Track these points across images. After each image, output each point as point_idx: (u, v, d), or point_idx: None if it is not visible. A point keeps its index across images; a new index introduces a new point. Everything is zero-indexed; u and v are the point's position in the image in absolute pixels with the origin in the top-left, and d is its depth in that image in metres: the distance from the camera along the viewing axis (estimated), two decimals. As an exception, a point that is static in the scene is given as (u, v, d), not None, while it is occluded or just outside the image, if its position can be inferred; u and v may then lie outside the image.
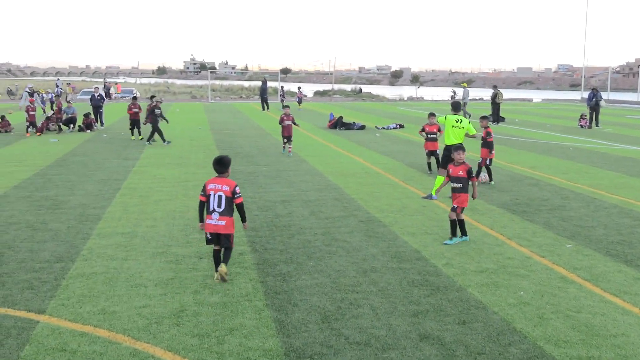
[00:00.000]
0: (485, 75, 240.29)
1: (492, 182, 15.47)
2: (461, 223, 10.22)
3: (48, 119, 29.34)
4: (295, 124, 20.84)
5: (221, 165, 8.41)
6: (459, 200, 10.13)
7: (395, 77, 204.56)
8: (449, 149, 13.56)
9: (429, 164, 17.17)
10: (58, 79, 73.81)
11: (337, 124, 31.04)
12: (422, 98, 74.05)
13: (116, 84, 78.38)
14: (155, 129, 23.45)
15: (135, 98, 26.46)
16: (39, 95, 36.62)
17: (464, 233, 10.26)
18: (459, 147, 10.60)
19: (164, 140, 23.45)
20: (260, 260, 9.13)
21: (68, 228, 10.86)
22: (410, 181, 15.89)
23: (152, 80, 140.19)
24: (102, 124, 30.64)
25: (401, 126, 31.93)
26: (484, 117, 16.18)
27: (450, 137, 13.60)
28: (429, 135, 16.77)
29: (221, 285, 8.05)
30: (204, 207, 8.31)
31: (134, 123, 25.25)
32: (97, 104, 30.48)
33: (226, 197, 8.18)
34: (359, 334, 6.63)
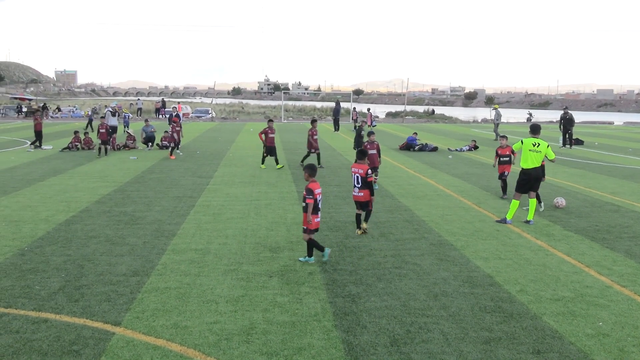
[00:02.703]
0: (563, 97, 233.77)
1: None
2: (309, 244, 10.04)
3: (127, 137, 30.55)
4: (379, 155, 17.66)
5: (361, 154, 12.17)
6: (305, 221, 9.96)
7: (469, 98, 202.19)
8: (525, 173, 13.22)
9: (503, 187, 16.80)
10: (138, 99, 76.87)
11: (410, 145, 30.80)
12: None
13: (178, 103, 78.93)
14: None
15: (271, 121, 23.11)
16: (119, 114, 38.11)
17: (309, 254, 10.14)
18: (309, 167, 10.19)
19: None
20: (329, 281, 9.12)
21: (144, 243, 11.20)
22: (484, 204, 15.56)
23: (228, 101, 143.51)
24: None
25: (476, 147, 31.37)
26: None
27: (527, 160, 13.20)
28: (502, 159, 16.60)
29: (290, 305, 8.09)
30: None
31: (271, 150, 22.26)
32: (174, 123, 31.34)
33: (361, 177, 11.69)
34: (428, 359, 6.50)
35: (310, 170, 10.17)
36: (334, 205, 15.06)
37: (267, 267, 9.77)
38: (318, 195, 9.96)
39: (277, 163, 22.66)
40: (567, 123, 34.50)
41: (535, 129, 13.65)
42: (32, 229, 12.27)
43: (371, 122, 50.05)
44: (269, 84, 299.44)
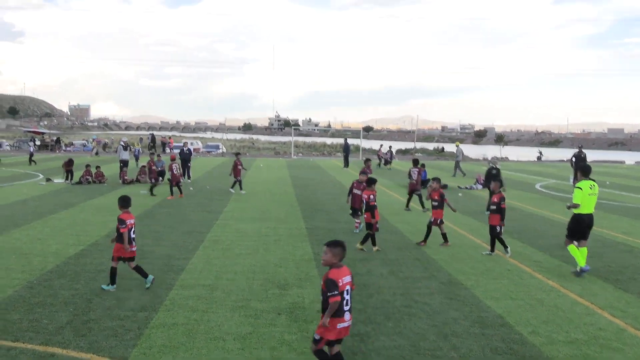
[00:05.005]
0: (574, 135, 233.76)
1: (509, 253, 13.88)
2: (111, 271, 10.42)
3: (140, 171, 30.74)
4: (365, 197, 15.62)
5: (371, 182, 14.67)
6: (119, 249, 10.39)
7: (479, 136, 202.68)
8: (581, 219, 12.19)
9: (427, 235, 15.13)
10: (151, 133, 77.56)
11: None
12: (507, 158, 72.53)
13: (169, 138, 78.25)
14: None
15: (368, 160, 21.93)
16: (132, 148, 38.44)
17: (111, 282, 10.40)
18: (121, 199, 10.68)
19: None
20: (338, 319, 9.01)
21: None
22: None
23: (238, 136, 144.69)
24: (189, 177, 31.64)
25: (483, 185, 31.25)
26: (496, 180, 14.27)
27: (588, 206, 12.16)
28: (432, 203, 15.08)
29: (299, 343, 8.00)
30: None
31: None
32: (185, 158, 31.54)
33: (365, 201, 14.18)
34: (438, 401, 6.38)
35: (123, 202, 10.65)
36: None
37: (276, 304, 9.69)
38: (131, 226, 10.39)
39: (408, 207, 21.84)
40: (580, 161, 34.41)
41: (588, 170, 12.69)
42: (41, 261, 12.28)
43: (390, 160, 49.71)
44: (279, 120, 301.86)
